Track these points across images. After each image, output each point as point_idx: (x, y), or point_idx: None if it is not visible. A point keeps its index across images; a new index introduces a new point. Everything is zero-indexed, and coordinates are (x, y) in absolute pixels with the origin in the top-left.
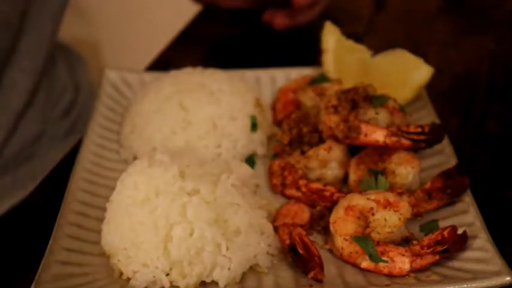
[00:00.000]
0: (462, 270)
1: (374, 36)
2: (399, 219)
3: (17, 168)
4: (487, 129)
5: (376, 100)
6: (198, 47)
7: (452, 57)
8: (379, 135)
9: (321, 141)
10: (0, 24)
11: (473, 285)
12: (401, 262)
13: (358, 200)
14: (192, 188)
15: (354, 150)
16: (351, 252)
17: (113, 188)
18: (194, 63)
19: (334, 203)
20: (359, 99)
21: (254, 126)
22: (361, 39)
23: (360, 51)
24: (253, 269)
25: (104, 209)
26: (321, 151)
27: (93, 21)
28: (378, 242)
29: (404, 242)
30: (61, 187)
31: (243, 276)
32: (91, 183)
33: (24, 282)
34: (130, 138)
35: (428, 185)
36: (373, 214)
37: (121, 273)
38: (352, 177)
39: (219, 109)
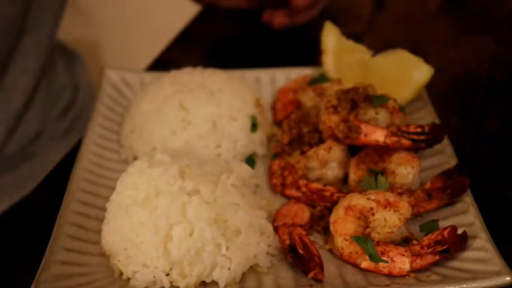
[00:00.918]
0: (462, 270)
1: (374, 36)
2: (399, 219)
3: (17, 168)
4: (487, 129)
5: (376, 100)
6: (198, 47)
7: (452, 57)
8: (379, 135)
9: (321, 141)
10: (3, 24)
11: (473, 285)
12: (401, 262)
13: (358, 200)
14: (192, 188)
15: (354, 150)
16: (351, 252)
17: (113, 188)
18: (194, 63)
19: (334, 203)
20: (359, 99)
21: (254, 126)
22: (361, 39)
23: (360, 51)
24: (253, 269)
25: (104, 209)
26: (321, 151)
27: (93, 21)
28: (378, 242)
29: (404, 242)
30: (61, 187)
31: (243, 276)
32: (91, 183)
33: (24, 282)
34: (130, 138)
35: (428, 185)
36: (373, 214)
37: (121, 273)
38: (352, 177)
39: (219, 109)
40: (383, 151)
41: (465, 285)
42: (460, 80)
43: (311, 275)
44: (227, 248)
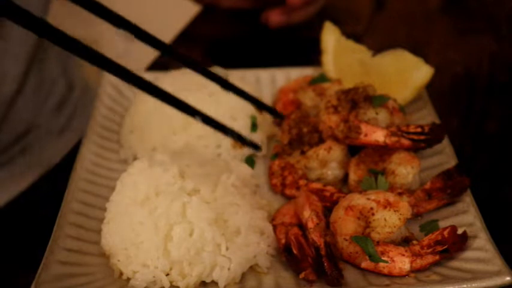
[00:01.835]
0: (462, 270)
1: (374, 36)
2: (399, 219)
3: (11, 162)
4: (487, 129)
5: (376, 100)
6: (198, 47)
7: (452, 57)
8: (379, 135)
9: (321, 141)
10: None
11: (473, 285)
12: (401, 262)
13: (358, 200)
14: (192, 188)
15: (354, 150)
16: (351, 252)
17: (113, 188)
18: None
19: (334, 203)
20: (359, 99)
21: (254, 126)
22: (361, 39)
23: (360, 51)
24: (253, 269)
25: (104, 209)
26: (321, 151)
27: (93, 21)
28: (378, 242)
29: (404, 242)
30: (61, 187)
31: (243, 276)
32: (91, 183)
33: (24, 282)
34: (130, 138)
35: (428, 185)
36: (373, 214)
37: (121, 273)
38: (352, 177)
39: (219, 109)
40: (383, 151)
41: (465, 285)
42: (460, 80)
43: (302, 275)
44: (227, 248)
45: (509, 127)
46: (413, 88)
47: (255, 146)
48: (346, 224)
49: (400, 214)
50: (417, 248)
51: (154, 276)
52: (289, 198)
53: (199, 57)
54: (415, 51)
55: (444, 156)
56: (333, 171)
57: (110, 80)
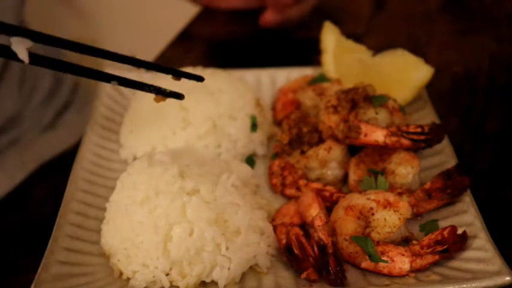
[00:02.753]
0: (462, 270)
1: (374, 36)
2: (399, 219)
3: (2, 154)
4: (487, 129)
5: (376, 100)
6: (198, 47)
7: (452, 57)
8: (379, 135)
9: (321, 141)
10: None
11: (473, 285)
12: (401, 262)
13: (358, 200)
14: (191, 188)
15: (354, 150)
16: (350, 252)
17: (112, 188)
18: (194, 63)
19: (334, 203)
20: (359, 99)
21: (254, 126)
22: (361, 39)
23: (360, 51)
24: (253, 269)
25: (104, 209)
26: (321, 151)
27: (93, 21)
28: (378, 242)
29: (405, 242)
30: (61, 187)
31: (243, 275)
32: (91, 183)
33: (24, 282)
34: (130, 138)
35: (428, 185)
36: (373, 214)
37: (121, 273)
38: (352, 177)
39: (219, 109)
40: (383, 151)
41: (465, 285)
42: (460, 80)
43: (304, 275)
44: (227, 248)
45: (509, 127)
46: (413, 88)
47: (177, 95)
48: (346, 224)
49: (400, 214)
50: (417, 248)
51: (154, 276)
52: (289, 198)
53: (199, 57)
54: (415, 51)
55: (444, 156)
56: (332, 171)
57: None
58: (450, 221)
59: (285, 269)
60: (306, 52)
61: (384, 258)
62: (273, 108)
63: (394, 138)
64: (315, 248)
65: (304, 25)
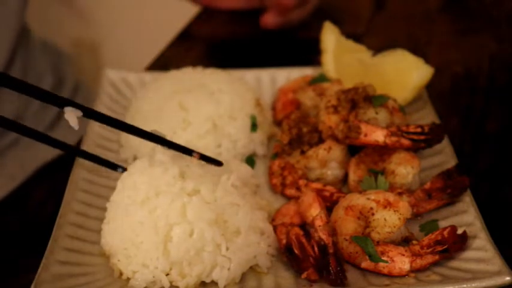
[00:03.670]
0: (462, 270)
1: (374, 36)
2: (399, 219)
3: (2, 156)
4: (487, 129)
5: (376, 100)
6: (198, 47)
7: (452, 57)
8: (379, 135)
9: (321, 141)
10: None
11: (473, 285)
12: (401, 262)
13: (358, 200)
14: (192, 188)
15: (354, 150)
16: (350, 252)
17: (113, 188)
18: (194, 63)
19: (334, 203)
20: (359, 99)
21: (254, 126)
22: (361, 39)
23: (360, 51)
24: (253, 269)
25: (104, 209)
26: (321, 151)
27: (93, 21)
28: (378, 242)
29: (405, 242)
30: (61, 187)
31: (243, 276)
32: (91, 183)
33: (24, 282)
34: (130, 138)
35: (428, 185)
36: (373, 214)
37: (121, 273)
38: (352, 177)
39: (219, 109)
40: (383, 151)
41: (465, 285)
42: (460, 80)
43: (304, 275)
44: (227, 249)
45: (509, 127)
46: (413, 88)
47: (218, 162)
48: (346, 224)
49: (400, 214)
50: (417, 248)
51: (154, 276)
52: (289, 198)
53: (199, 57)
54: (415, 51)
55: (444, 156)
56: (332, 171)
57: (110, 79)
58: (450, 221)
59: (285, 269)
60: (306, 52)
61: (384, 258)
62: (273, 108)
63: (394, 138)
64: (315, 248)
65: (304, 25)
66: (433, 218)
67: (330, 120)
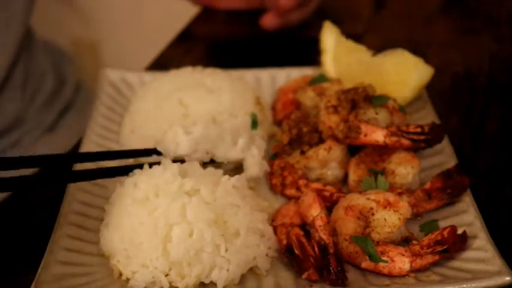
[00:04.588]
0: (462, 270)
1: (374, 36)
2: (399, 219)
3: (2, 155)
4: (487, 129)
5: (376, 100)
6: (198, 47)
7: (452, 57)
8: (379, 135)
9: (321, 141)
10: None
11: (473, 285)
12: (401, 262)
13: (358, 200)
14: (192, 188)
15: (354, 150)
16: (350, 252)
17: (112, 188)
18: (194, 63)
19: (334, 203)
20: (359, 99)
21: (254, 124)
22: (361, 39)
23: (360, 51)
24: (252, 270)
25: (104, 209)
26: (321, 151)
27: (93, 21)
28: (378, 242)
29: (404, 242)
30: (61, 187)
31: (243, 277)
32: (91, 184)
33: (24, 282)
34: (130, 138)
35: (428, 185)
36: (373, 214)
37: (120, 274)
38: (352, 177)
39: (219, 107)
40: (383, 151)
41: (465, 285)
42: (460, 80)
43: (305, 275)
44: (226, 250)
45: (509, 127)
46: (413, 88)
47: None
48: (346, 224)
49: (400, 214)
50: (417, 248)
51: (153, 277)
52: (289, 198)
53: (199, 57)
54: (415, 51)
55: (444, 156)
56: (332, 171)
57: (109, 80)
58: (450, 221)
59: (285, 270)
60: (306, 52)
61: (384, 258)
62: (273, 108)
63: (394, 138)
64: (316, 248)
65: (304, 25)
66: (433, 218)
67: (330, 120)
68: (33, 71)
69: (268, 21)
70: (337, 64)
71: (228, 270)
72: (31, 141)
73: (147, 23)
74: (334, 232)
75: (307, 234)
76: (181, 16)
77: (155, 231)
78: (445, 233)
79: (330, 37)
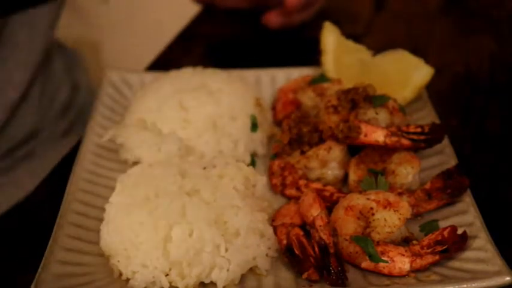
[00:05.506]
0: (462, 270)
1: (374, 36)
2: (399, 219)
3: (15, 166)
4: (487, 129)
5: (376, 100)
6: (198, 47)
7: (452, 57)
8: (379, 135)
9: (321, 141)
10: None
11: (473, 285)
12: (401, 262)
13: (358, 200)
14: (192, 188)
15: (354, 150)
16: (350, 252)
17: (112, 188)
18: (194, 63)
19: (334, 203)
20: (359, 99)
21: (254, 126)
22: (361, 39)
23: (360, 51)
24: (252, 270)
25: (104, 209)
26: (321, 151)
27: (93, 21)
28: (378, 242)
29: (405, 242)
30: (61, 187)
31: (243, 277)
32: (91, 183)
33: (24, 282)
34: (130, 138)
35: (428, 185)
36: (373, 214)
37: (120, 274)
38: (352, 177)
39: (219, 109)
40: (383, 151)
41: (465, 285)
42: (460, 80)
43: (305, 275)
44: (226, 250)
45: (509, 127)
46: (413, 88)
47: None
48: (346, 224)
49: (400, 214)
50: (417, 248)
51: (153, 277)
52: (289, 198)
53: (199, 57)
54: (415, 51)
55: (444, 156)
56: (333, 171)
57: (110, 80)
58: (450, 221)
59: (285, 270)
60: (306, 52)
61: (384, 258)
62: (273, 108)
63: (394, 138)
64: (316, 248)
65: (304, 25)
66: (433, 218)
67: (330, 120)
68: (49, 81)
69: (272, 18)
70: (337, 64)
71: (228, 270)
72: (44, 151)
73: (147, 23)
74: (334, 232)
75: (307, 234)
76: (181, 16)
77: (155, 231)
78: (445, 233)
79: (330, 37)
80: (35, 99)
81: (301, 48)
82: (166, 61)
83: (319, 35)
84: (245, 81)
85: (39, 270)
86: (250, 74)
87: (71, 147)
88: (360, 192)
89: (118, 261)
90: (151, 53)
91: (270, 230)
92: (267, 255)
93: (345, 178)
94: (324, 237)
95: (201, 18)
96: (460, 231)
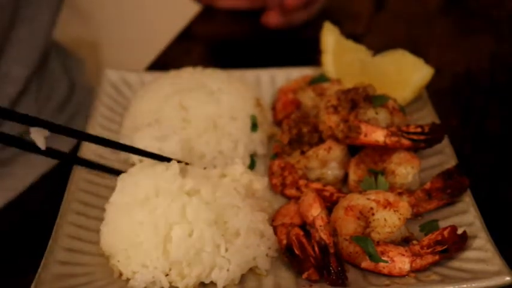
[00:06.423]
0: (462, 270)
1: (374, 36)
2: (399, 219)
3: (13, 160)
4: (487, 129)
5: (376, 100)
6: (198, 47)
7: (452, 57)
8: (379, 135)
9: (321, 141)
10: None
11: (473, 285)
12: (401, 262)
13: (358, 200)
14: (192, 187)
15: (354, 150)
16: (350, 252)
17: (112, 188)
18: (194, 63)
19: (334, 203)
20: (359, 99)
21: (254, 126)
22: (361, 39)
23: (360, 51)
24: (252, 270)
25: (104, 209)
26: (321, 151)
27: (93, 21)
28: (378, 242)
29: (405, 242)
30: (61, 187)
31: (243, 277)
32: (91, 183)
33: (24, 282)
34: (130, 138)
35: (428, 185)
36: (373, 214)
37: (120, 274)
38: (352, 177)
39: (219, 109)
40: (383, 151)
41: (465, 285)
42: (460, 80)
43: (305, 275)
44: (226, 250)
45: (509, 127)
46: (413, 88)
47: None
48: (346, 224)
49: (400, 214)
50: (417, 248)
51: (153, 277)
52: (289, 198)
53: (199, 57)
54: (415, 51)
55: (444, 156)
56: (333, 171)
57: (110, 80)
58: (450, 221)
59: (285, 270)
60: (306, 52)
61: (384, 258)
62: (273, 108)
63: (394, 138)
64: (316, 248)
65: (304, 25)
66: (433, 218)
67: (330, 120)
68: (47, 77)
69: (271, 18)
70: (337, 64)
71: (228, 270)
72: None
73: (147, 23)
74: (334, 232)
75: (308, 234)
76: (181, 16)
77: (155, 231)
78: (445, 233)
79: (330, 37)
80: (33, 93)
81: (301, 48)
82: (167, 61)
83: (319, 35)
84: (245, 81)
85: (39, 270)
86: (250, 74)
87: (69, 143)
88: (360, 192)
89: (118, 261)
90: (151, 53)
91: (270, 230)
92: (267, 255)
93: (345, 178)
94: (324, 237)
95: (201, 18)
96: (460, 231)
